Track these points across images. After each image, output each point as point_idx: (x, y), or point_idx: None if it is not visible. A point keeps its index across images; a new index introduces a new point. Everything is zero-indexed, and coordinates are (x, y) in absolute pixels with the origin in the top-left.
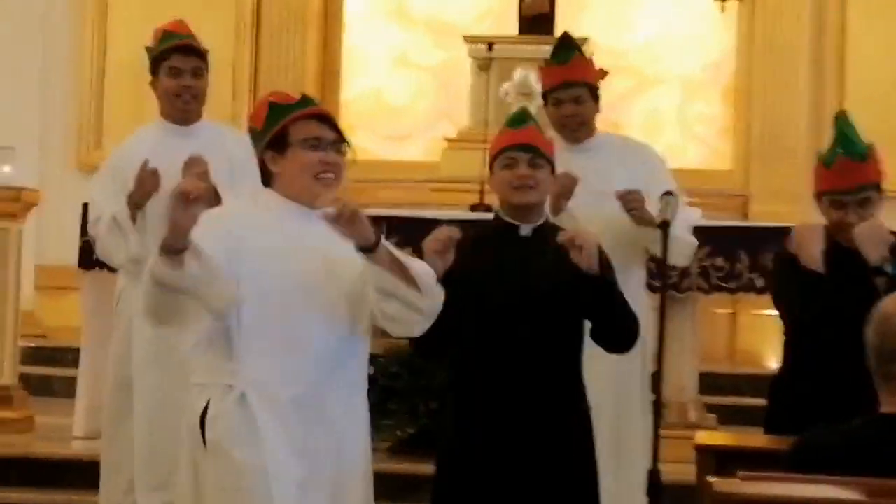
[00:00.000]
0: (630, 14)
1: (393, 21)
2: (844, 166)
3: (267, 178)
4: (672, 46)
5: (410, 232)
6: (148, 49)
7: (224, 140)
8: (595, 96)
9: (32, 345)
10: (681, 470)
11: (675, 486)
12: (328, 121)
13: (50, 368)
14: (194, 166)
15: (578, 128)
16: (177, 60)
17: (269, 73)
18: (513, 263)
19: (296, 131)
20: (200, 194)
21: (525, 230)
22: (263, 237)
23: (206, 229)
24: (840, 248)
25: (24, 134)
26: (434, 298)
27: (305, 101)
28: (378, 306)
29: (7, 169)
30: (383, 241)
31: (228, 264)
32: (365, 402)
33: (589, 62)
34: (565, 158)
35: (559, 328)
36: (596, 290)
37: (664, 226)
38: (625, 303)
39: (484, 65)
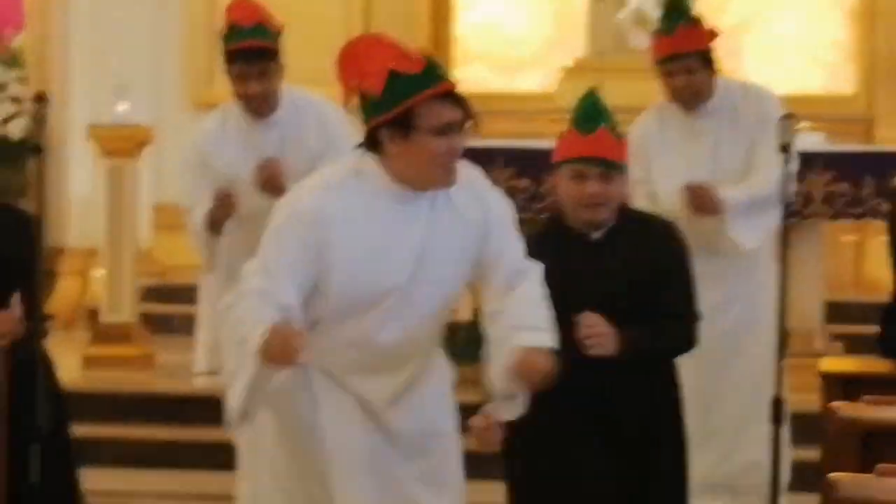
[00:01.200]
0: None
1: None
2: None
3: (376, 147)
4: None
5: (527, 162)
6: (220, 35)
7: (306, 125)
8: (708, 60)
9: (152, 283)
10: (805, 399)
11: (799, 414)
12: (457, 97)
13: (169, 306)
14: (264, 171)
15: (692, 98)
16: (241, 66)
17: (381, 10)
18: (584, 269)
19: (425, 115)
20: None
21: (596, 235)
22: (355, 235)
23: (294, 229)
24: None
25: (137, 72)
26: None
27: (431, 71)
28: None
29: (123, 107)
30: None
31: (316, 258)
32: (442, 388)
33: (696, 28)
34: (680, 130)
35: (629, 318)
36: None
37: (785, 149)
38: (659, 345)
39: None
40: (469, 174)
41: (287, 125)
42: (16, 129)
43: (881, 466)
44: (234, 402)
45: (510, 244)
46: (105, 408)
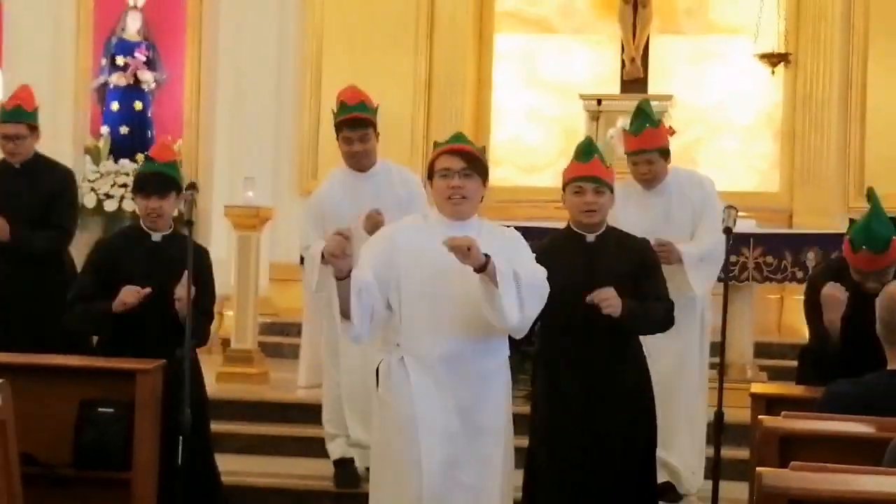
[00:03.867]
0: (704, 78)
1: (527, 85)
2: (868, 257)
3: None
4: (736, 101)
5: (539, 236)
6: (333, 112)
7: (393, 181)
8: (665, 154)
9: (268, 321)
10: (739, 413)
11: (735, 425)
12: (460, 153)
13: (280, 338)
14: (371, 220)
15: (653, 181)
16: (347, 132)
17: (438, 125)
18: (581, 264)
19: (437, 165)
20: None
21: (590, 238)
22: (416, 241)
23: (373, 246)
24: (856, 316)
25: (263, 165)
26: (526, 312)
27: (453, 138)
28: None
29: (250, 193)
30: (492, 264)
31: (389, 266)
32: (505, 365)
33: (658, 130)
34: (640, 201)
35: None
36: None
37: (727, 231)
38: (650, 318)
39: (594, 116)
40: (508, 231)
41: (381, 179)
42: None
43: (794, 464)
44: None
45: (527, 260)
46: (233, 411)
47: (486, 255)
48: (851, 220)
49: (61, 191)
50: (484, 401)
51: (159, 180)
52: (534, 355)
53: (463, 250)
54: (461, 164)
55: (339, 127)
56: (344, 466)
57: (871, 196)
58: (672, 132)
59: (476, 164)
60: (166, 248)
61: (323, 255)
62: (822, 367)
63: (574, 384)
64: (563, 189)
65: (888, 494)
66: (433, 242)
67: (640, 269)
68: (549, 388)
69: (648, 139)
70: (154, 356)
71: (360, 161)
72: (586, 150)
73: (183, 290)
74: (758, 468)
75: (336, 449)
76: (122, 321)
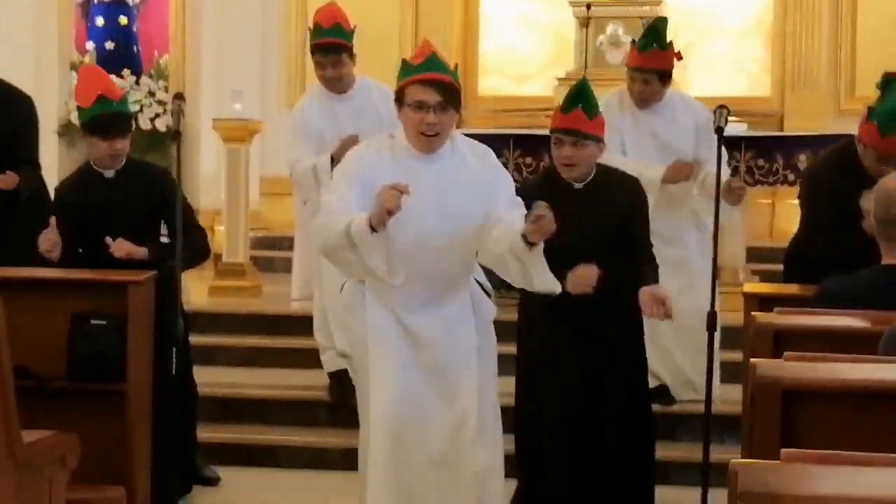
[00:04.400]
0: None
1: None
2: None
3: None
4: (725, 5)
5: (531, 145)
6: (309, 30)
7: (374, 99)
8: (664, 77)
9: (260, 235)
10: (732, 316)
11: (728, 327)
12: (437, 84)
13: (272, 252)
14: (348, 143)
15: (645, 101)
16: (319, 56)
17: (426, 36)
18: (569, 212)
19: (408, 94)
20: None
21: (578, 185)
22: (389, 178)
23: (347, 173)
24: None
25: (250, 80)
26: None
27: (427, 63)
28: (503, 261)
29: (238, 106)
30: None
31: (361, 198)
32: (470, 309)
33: (664, 52)
34: (629, 119)
35: (608, 252)
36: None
37: (719, 132)
38: (623, 281)
39: (584, 22)
40: (479, 146)
41: (359, 99)
42: (161, 125)
43: (788, 354)
44: (381, 273)
45: (507, 190)
46: (226, 324)
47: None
48: (870, 108)
49: (24, 121)
50: (450, 345)
51: (120, 120)
52: (519, 303)
53: (545, 229)
54: (437, 98)
55: (313, 51)
56: (338, 378)
57: (888, 80)
58: (679, 57)
59: (452, 95)
60: (122, 182)
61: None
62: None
63: (565, 327)
64: (550, 135)
65: (882, 382)
66: (404, 170)
67: (627, 212)
68: (541, 333)
69: (651, 59)
70: None
71: (333, 86)
72: (570, 100)
73: (121, 249)
74: (751, 359)
75: (329, 361)
76: (94, 261)
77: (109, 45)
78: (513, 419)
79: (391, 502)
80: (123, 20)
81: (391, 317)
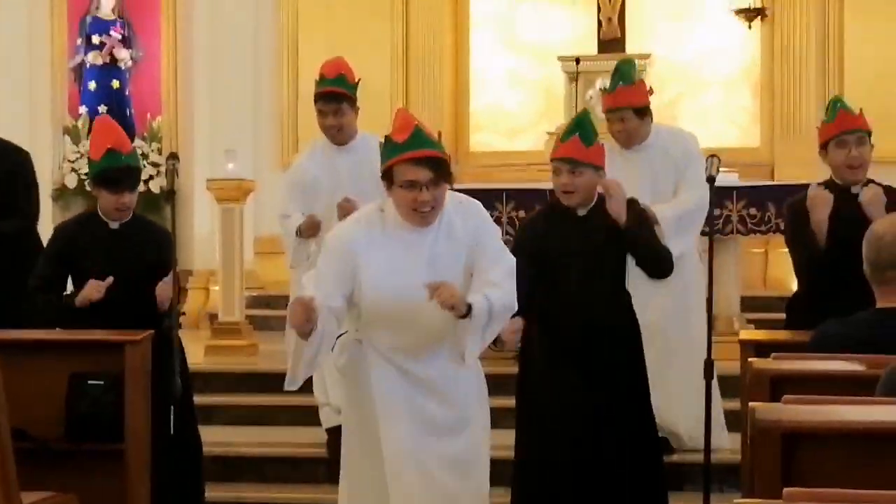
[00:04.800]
0: (682, 34)
1: (505, 49)
2: (845, 117)
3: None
4: (714, 58)
5: (524, 198)
6: (316, 83)
7: (372, 154)
8: (641, 113)
9: (255, 294)
10: (729, 366)
11: (724, 377)
12: (429, 161)
13: (267, 310)
14: (342, 210)
15: (625, 140)
16: (321, 105)
17: (417, 94)
18: (573, 235)
19: (398, 173)
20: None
21: (581, 212)
22: (379, 252)
23: (333, 252)
24: (842, 214)
25: (243, 140)
26: (488, 338)
27: (412, 141)
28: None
29: (231, 166)
30: (474, 312)
31: (352, 276)
32: (470, 368)
33: (633, 88)
34: (620, 161)
35: (606, 277)
36: (624, 234)
37: (710, 180)
38: (653, 244)
39: (573, 77)
40: (465, 204)
41: (360, 152)
42: (155, 187)
43: (787, 397)
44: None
45: (491, 245)
46: (223, 383)
47: (469, 304)
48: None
49: (16, 173)
50: (452, 399)
51: (130, 174)
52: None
53: (447, 304)
54: (429, 175)
55: (316, 99)
56: (336, 434)
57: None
58: (651, 91)
59: (443, 170)
60: (126, 235)
61: (299, 231)
62: (814, 279)
63: (566, 361)
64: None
65: (880, 423)
66: (394, 256)
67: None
68: (542, 347)
69: (620, 97)
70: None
71: (334, 135)
72: (569, 129)
73: (166, 292)
74: (750, 403)
75: (326, 418)
76: (89, 311)
77: (102, 108)
78: (513, 467)
79: None
80: (116, 84)
81: (392, 367)
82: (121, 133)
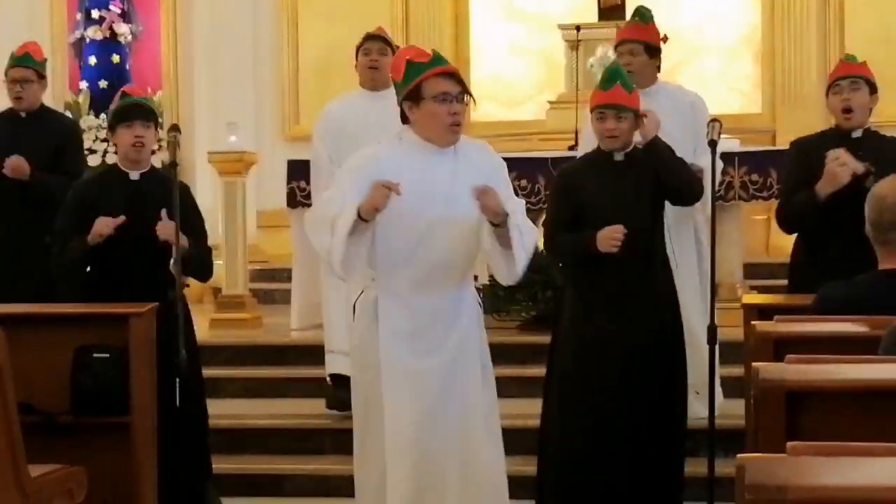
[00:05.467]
0: (682, 1)
1: (505, 18)
2: (842, 65)
3: (406, 121)
4: (714, 23)
5: (526, 168)
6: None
7: None
8: (651, 51)
9: (258, 267)
10: (732, 332)
11: (727, 343)
12: (454, 76)
13: (271, 283)
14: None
15: (634, 76)
16: (367, 44)
17: None
18: (611, 180)
19: (429, 87)
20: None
21: (618, 156)
22: (402, 166)
23: (358, 171)
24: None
25: (244, 113)
26: (524, 266)
27: (436, 59)
28: (489, 253)
29: (233, 138)
30: (509, 221)
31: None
32: (474, 297)
33: (649, 27)
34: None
35: (645, 221)
36: (654, 148)
37: (712, 144)
38: (679, 163)
39: (574, 45)
40: (477, 141)
41: (390, 99)
42: (156, 161)
43: (790, 357)
44: (336, 255)
45: (505, 181)
46: (227, 356)
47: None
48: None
49: (70, 139)
50: (458, 337)
51: (141, 109)
52: (560, 284)
53: (490, 206)
54: (458, 88)
55: (361, 45)
56: (337, 380)
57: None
58: (665, 38)
59: (465, 86)
60: (145, 186)
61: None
62: (803, 217)
63: (602, 303)
64: (591, 112)
65: (882, 381)
66: (416, 169)
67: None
68: (578, 310)
69: (634, 30)
70: (147, 300)
71: (373, 75)
72: (609, 77)
73: (168, 229)
74: (754, 363)
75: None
76: (109, 268)
77: (103, 83)
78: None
79: None
80: (116, 59)
81: (403, 323)
82: (137, 89)
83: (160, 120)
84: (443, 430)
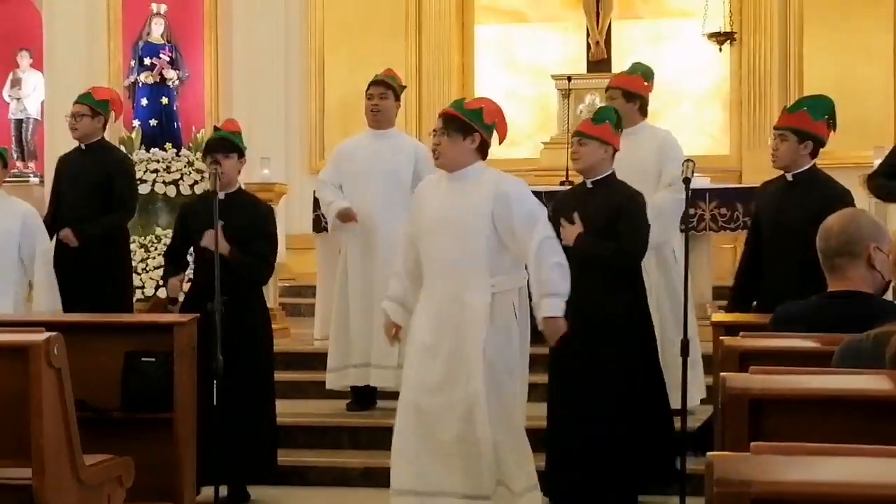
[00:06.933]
0: (661, 57)
1: (505, 69)
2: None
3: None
4: (689, 76)
5: None
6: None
7: (405, 144)
8: (629, 97)
9: (287, 284)
10: (702, 346)
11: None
12: (440, 116)
13: (298, 299)
14: (345, 215)
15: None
16: (370, 89)
17: (427, 108)
18: (579, 203)
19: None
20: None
21: (588, 184)
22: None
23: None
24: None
25: (276, 149)
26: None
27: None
28: None
29: (266, 171)
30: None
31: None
32: (487, 305)
33: (630, 76)
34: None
35: (608, 233)
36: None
37: (686, 181)
38: (603, 250)
39: (565, 93)
40: (507, 177)
41: (395, 140)
42: (200, 191)
43: (754, 368)
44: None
45: (521, 206)
46: None
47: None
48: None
49: (119, 169)
50: (465, 332)
51: (222, 143)
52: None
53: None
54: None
55: (369, 86)
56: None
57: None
58: (649, 88)
59: (441, 125)
60: (228, 205)
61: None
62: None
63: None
64: None
65: (835, 390)
66: (437, 194)
67: (617, 214)
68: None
69: (616, 79)
70: (232, 297)
71: (375, 116)
72: (593, 114)
73: (209, 238)
74: (721, 373)
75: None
76: (201, 274)
77: (153, 122)
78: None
79: (410, 474)
80: (165, 100)
81: (424, 315)
82: (231, 121)
83: (243, 147)
84: (440, 400)
